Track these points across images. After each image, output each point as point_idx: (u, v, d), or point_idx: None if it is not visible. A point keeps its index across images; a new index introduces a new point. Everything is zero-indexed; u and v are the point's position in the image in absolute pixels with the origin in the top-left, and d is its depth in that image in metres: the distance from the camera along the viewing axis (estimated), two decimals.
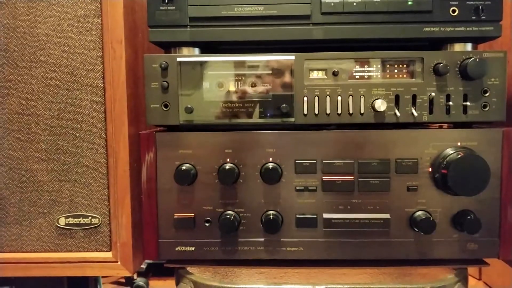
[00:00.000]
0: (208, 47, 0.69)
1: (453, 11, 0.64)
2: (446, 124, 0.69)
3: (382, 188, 0.65)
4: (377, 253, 0.66)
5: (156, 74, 0.64)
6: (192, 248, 0.66)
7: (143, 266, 1.45)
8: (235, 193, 0.66)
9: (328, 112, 0.64)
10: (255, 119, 0.65)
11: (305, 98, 0.64)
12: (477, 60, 0.62)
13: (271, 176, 0.64)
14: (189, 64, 0.64)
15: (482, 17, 0.64)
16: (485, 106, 0.64)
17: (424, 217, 0.63)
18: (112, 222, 0.67)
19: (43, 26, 0.65)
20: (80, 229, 0.67)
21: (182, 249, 0.66)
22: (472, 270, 0.84)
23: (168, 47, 0.69)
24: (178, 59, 0.64)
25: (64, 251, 0.68)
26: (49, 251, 0.68)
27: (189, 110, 0.64)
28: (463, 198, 0.64)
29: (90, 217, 0.67)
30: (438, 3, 0.64)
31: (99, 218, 0.67)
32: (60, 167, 0.67)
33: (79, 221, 0.67)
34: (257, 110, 0.65)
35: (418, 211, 0.65)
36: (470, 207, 0.65)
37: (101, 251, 0.68)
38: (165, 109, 0.65)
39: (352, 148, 0.65)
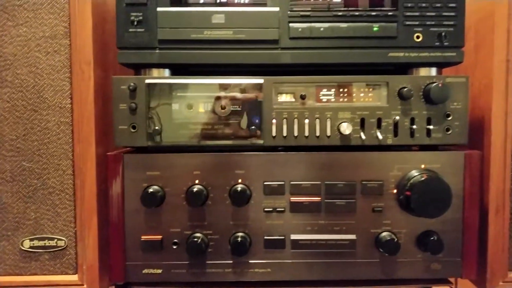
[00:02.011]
0: (179, 68, 0.69)
1: (417, 37, 0.66)
2: (417, 146, 0.71)
3: (348, 209, 0.66)
4: (344, 274, 0.67)
5: (125, 95, 0.64)
6: (160, 271, 0.66)
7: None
8: (203, 215, 0.66)
9: (296, 134, 0.65)
10: (224, 140, 0.66)
11: (274, 121, 0.65)
12: (440, 85, 0.64)
13: (240, 198, 0.65)
14: (158, 86, 0.64)
15: (445, 44, 0.66)
16: (448, 130, 0.66)
17: (388, 238, 0.65)
18: (79, 244, 0.66)
19: (10, 46, 0.65)
20: (45, 251, 0.66)
21: (150, 272, 0.66)
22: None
23: (138, 67, 0.69)
24: (147, 81, 0.64)
25: (29, 275, 0.67)
26: (12, 275, 0.67)
27: (157, 132, 0.64)
28: (427, 219, 0.66)
29: (55, 240, 0.66)
30: (403, 29, 0.66)
31: (65, 241, 0.66)
32: (26, 189, 0.66)
33: (44, 243, 0.66)
34: (226, 131, 0.65)
35: (383, 232, 0.66)
36: (434, 228, 0.66)
37: (67, 274, 0.67)
38: (133, 130, 0.65)
39: (319, 169, 0.66)
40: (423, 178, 0.63)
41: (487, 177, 0.69)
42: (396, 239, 0.65)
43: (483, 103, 0.70)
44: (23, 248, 0.66)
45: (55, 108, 0.65)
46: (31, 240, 0.66)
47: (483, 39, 0.71)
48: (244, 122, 0.65)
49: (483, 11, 0.71)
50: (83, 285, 0.67)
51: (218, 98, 0.65)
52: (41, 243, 0.66)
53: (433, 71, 0.69)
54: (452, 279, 0.87)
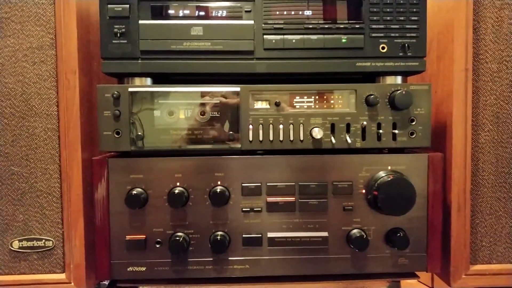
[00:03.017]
0: (160, 77, 0.73)
1: (383, 48, 0.71)
2: (386, 149, 0.76)
3: (320, 208, 0.70)
4: (317, 269, 0.71)
5: (109, 103, 0.68)
6: (144, 268, 0.70)
7: (106, 282, 1.45)
8: (184, 215, 0.70)
9: (271, 139, 0.70)
10: (204, 145, 0.70)
11: (251, 126, 0.69)
12: (403, 92, 0.69)
13: (219, 199, 0.69)
14: (140, 94, 0.68)
15: (408, 54, 0.71)
16: (412, 134, 0.71)
17: (358, 235, 0.69)
18: (66, 244, 0.70)
19: None
20: (33, 251, 0.70)
21: (134, 269, 0.70)
22: (424, 277, 0.90)
23: (121, 76, 0.72)
24: (130, 89, 0.68)
25: (18, 274, 0.70)
26: (2, 274, 0.70)
27: (140, 137, 0.68)
28: (394, 217, 0.71)
29: (43, 240, 0.70)
30: (369, 40, 0.71)
31: (52, 241, 0.70)
32: (14, 192, 0.69)
33: (33, 244, 0.69)
34: (205, 136, 0.69)
35: (353, 229, 0.71)
36: (401, 225, 0.71)
37: (54, 272, 0.70)
38: (117, 136, 0.68)
39: (293, 171, 0.70)
40: (389, 179, 0.68)
41: (449, 178, 0.74)
42: (365, 236, 0.69)
43: (445, 109, 0.76)
44: (13, 249, 0.69)
45: (42, 115, 0.69)
46: (20, 241, 0.69)
47: (444, 50, 0.76)
48: (222, 127, 0.69)
49: (444, 24, 0.77)
50: (70, 283, 0.70)
51: (197, 105, 0.69)
52: (30, 243, 0.69)
53: (399, 79, 0.74)
54: (428, 276, 0.92)
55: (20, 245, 0.69)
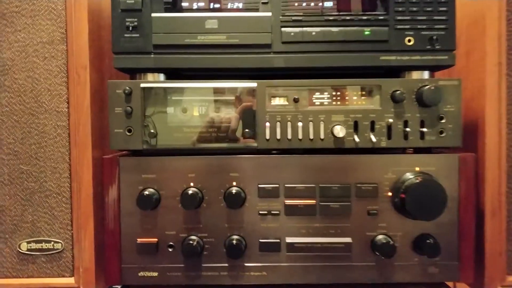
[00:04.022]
0: (173, 73, 0.70)
1: (409, 40, 0.67)
2: (412, 149, 0.71)
3: (343, 212, 0.66)
4: (340, 277, 0.67)
5: (120, 99, 0.65)
6: (155, 274, 0.66)
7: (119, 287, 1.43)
8: (198, 217, 0.66)
9: (289, 137, 0.66)
10: (219, 143, 0.66)
11: (267, 124, 0.66)
12: (432, 88, 0.64)
13: (235, 201, 0.65)
14: (153, 90, 0.65)
15: (437, 47, 0.67)
16: (441, 132, 0.66)
17: (384, 241, 0.65)
18: (75, 247, 0.67)
19: (8, 51, 0.66)
20: (42, 254, 0.67)
21: (145, 274, 0.66)
22: None
23: (133, 72, 0.70)
24: (142, 85, 0.65)
25: (26, 277, 0.67)
26: (10, 277, 0.67)
27: (153, 135, 0.65)
28: (423, 222, 0.65)
29: (52, 242, 0.67)
30: (394, 33, 0.67)
31: (61, 243, 0.67)
32: (23, 192, 0.67)
33: (41, 246, 0.67)
34: (220, 135, 0.66)
35: (379, 235, 0.66)
36: (430, 231, 0.66)
37: (63, 276, 0.67)
38: (128, 133, 0.65)
39: (313, 172, 0.66)
40: (417, 181, 0.63)
41: (482, 180, 0.68)
42: (392, 242, 0.65)
43: (476, 106, 0.70)
44: (21, 251, 0.67)
45: (52, 112, 0.67)
46: (28, 242, 0.67)
47: (474, 43, 0.72)
48: (238, 125, 0.66)
49: (474, 16, 0.72)
50: (79, 287, 0.67)
51: (212, 102, 0.66)
52: (38, 245, 0.67)
53: (426, 74, 0.69)
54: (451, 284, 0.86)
55: (29, 247, 0.67)
